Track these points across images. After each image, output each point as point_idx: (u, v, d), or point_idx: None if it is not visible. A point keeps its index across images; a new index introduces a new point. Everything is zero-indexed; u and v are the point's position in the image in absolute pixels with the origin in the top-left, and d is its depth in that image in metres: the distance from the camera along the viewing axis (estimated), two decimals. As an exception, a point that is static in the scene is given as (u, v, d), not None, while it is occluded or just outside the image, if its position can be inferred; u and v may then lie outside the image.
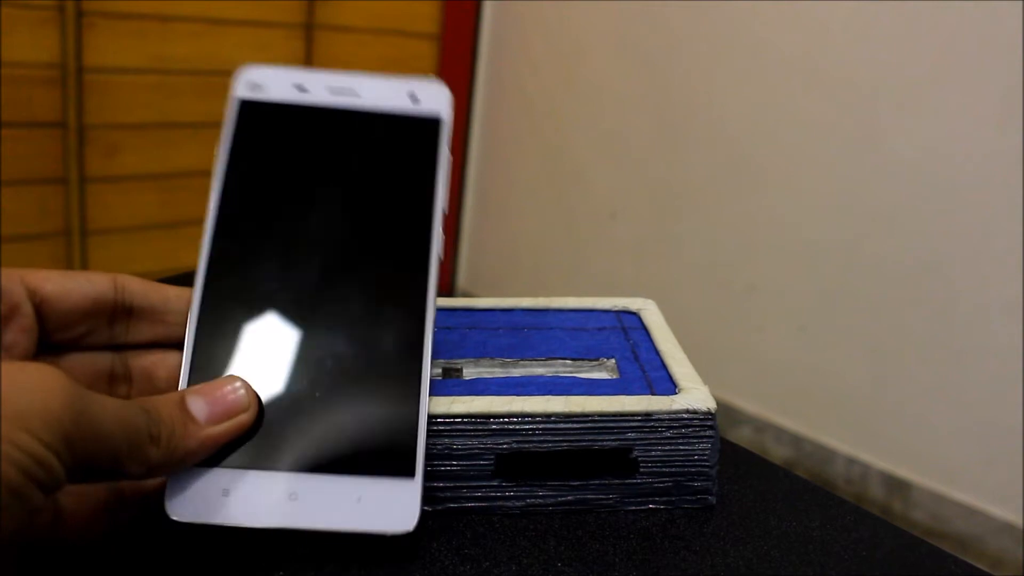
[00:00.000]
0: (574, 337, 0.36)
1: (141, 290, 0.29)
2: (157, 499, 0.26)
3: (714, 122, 1.51)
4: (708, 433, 0.31)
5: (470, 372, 0.33)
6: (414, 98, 0.31)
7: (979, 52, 1.20)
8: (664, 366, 0.34)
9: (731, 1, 1.45)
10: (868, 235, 1.34)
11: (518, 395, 0.30)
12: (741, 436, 1.51)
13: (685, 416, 0.31)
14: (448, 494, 0.30)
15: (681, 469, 0.31)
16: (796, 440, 1.47)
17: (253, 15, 1.52)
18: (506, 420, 0.30)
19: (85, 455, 0.22)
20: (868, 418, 1.39)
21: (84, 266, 1.44)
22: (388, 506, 0.26)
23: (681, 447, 0.31)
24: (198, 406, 0.26)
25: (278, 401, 0.27)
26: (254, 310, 0.28)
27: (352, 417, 0.27)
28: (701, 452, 0.31)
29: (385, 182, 0.30)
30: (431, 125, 0.31)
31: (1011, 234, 1.20)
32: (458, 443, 0.29)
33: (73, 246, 1.42)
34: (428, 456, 0.28)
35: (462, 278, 1.88)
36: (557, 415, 0.30)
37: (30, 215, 1.37)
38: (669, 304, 0.41)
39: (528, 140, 1.84)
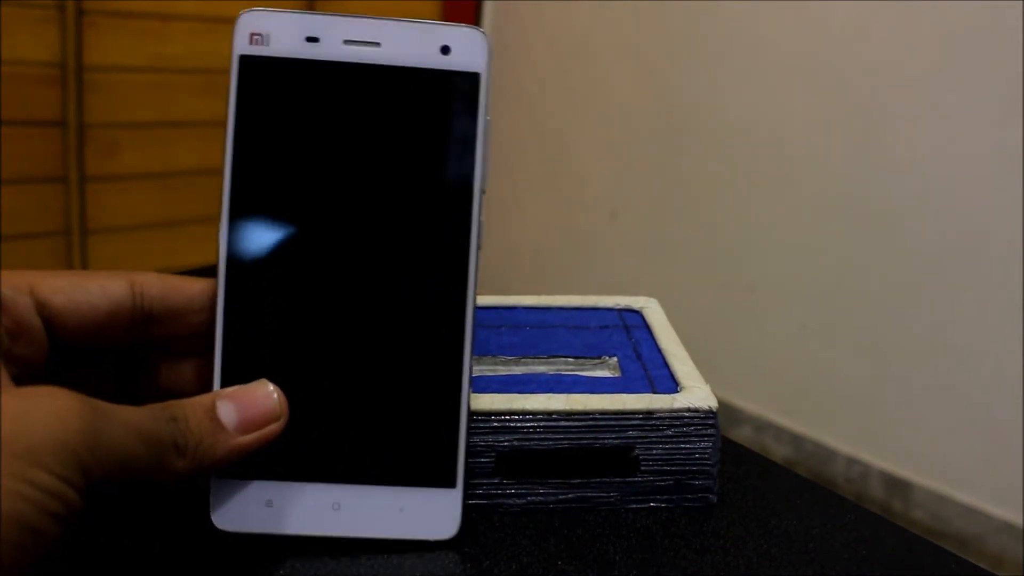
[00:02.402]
0: (576, 335, 0.36)
1: (160, 293, 0.27)
2: (198, 508, 0.26)
3: (715, 121, 1.51)
4: (709, 432, 0.31)
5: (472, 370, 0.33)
6: (446, 50, 0.26)
7: (979, 52, 1.20)
8: (666, 364, 0.34)
9: (731, 1, 1.45)
10: (868, 235, 1.34)
11: (519, 393, 0.30)
12: (741, 436, 1.51)
13: (687, 415, 0.31)
14: (449, 492, 0.30)
15: (682, 468, 0.31)
16: (796, 439, 1.47)
17: (253, 14, 1.52)
18: (507, 418, 0.30)
19: (104, 476, 0.21)
20: (868, 417, 1.39)
21: (84, 265, 1.44)
22: (430, 514, 0.26)
23: (682, 446, 0.31)
24: (228, 413, 0.25)
25: (316, 408, 0.26)
26: (284, 306, 0.26)
27: (393, 426, 0.26)
28: (702, 451, 0.31)
29: (414, 155, 0.26)
30: (467, 81, 0.26)
31: (1011, 234, 1.20)
32: (459, 441, 0.29)
33: (73, 245, 1.42)
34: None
35: (462, 277, 1.88)
36: (558, 413, 0.30)
37: (30, 214, 1.37)
38: (669, 303, 0.41)
39: (529, 139, 1.84)
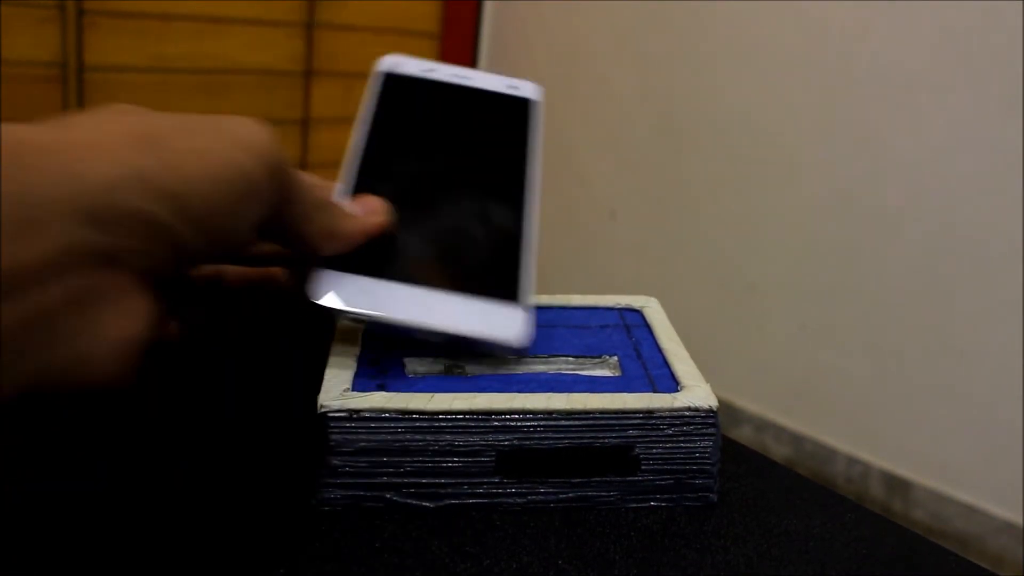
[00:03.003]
0: (576, 335, 0.36)
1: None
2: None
3: (714, 121, 1.51)
4: (710, 431, 0.31)
5: (472, 369, 0.33)
6: (512, 86, 0.41)
7: (980, 51, 1.20)
8: (667, 364, 0.34)
9: (731, 1, 1.45)
10: (868, 234, 1.35)
11: (520, 392, 0.30)
12: (741, 435, 1.52)
13: (687, 414, 0.31)
14: (449, 491, 0.30)
15: (682, 467, 0.31)
16: (796, 439, 1.47)
17: (253, 14, 1.52)
18: (507, 417, 0.30)
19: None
20: (868, 417, 1.39)
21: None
22: (500, 320, 0.31)
23: (683, 445, 0.31)
24: (354, 208, 0.31)
25: (413, 231, 0.33)
26: (395, 187, 0.34)
27: (471, 253, 0.33)
28: (703, 450, 0.31)
29: (490, 143, 0.38)
30: (525, 103, 0.40)
31: (1011, 233, 1.20)
32: (459, 440, 0.29)
33: (73, 245, 1.42)
34: (429, 452, 0.29)
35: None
36: (559, 412, 0.30)
37: (30, 214, 1.37)
38: (669, 303, 0.41)
39: (528, 139, 1.84)
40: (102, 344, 0.22)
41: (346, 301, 0.30)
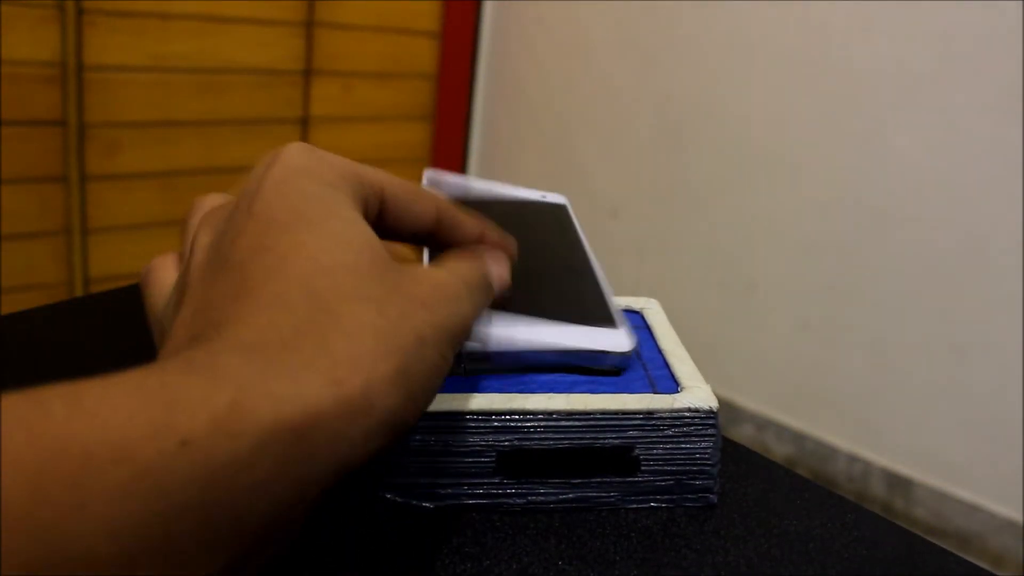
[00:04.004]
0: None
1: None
2: None
3: (715, 120, 1.51)
4: (710, 432, 0.31)
5: (472, 369, 0.33)
6: (544, 196, 0.45)
7: (980, 49, 1.20)
8: (666, 364, 0.34)
9: (732, 1, 1.45)
10: (869, 233, 1.34)
11: (520, 392, 0.30)
12: (742, 434, 1.52)
13: (687, 415, 0.31)
14: (449, 491, 0.30)
15: (683, 467, 0.31)
16: (797, 438, 1.47)
17: (253, 13, 1.52)
18: (507, 417, 0.30)
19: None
20: (869, 416, 1.39)
21: (84, 265, 1.44)
22: (608, 336, 0.33)
23: (683, 445, 0.31)
24: (493, 273, 0.28)
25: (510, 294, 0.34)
26: None
27: (566, 297, 0.35)
28: (703, 451, 0.31)
29: (545, 232, 0.42)
30: (563, 207, 0.45)
31: (1012, 231, 1.20)
32: (459, 440, 0.29)
33: (73, 244, 1.42)
34: (429, 452, 0.29)
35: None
36: (559, 413, 0.30)
37: (30, 213, 1.37)
38: (670, 302, 0.41)
39: (529, 138, 1.84)
40: None
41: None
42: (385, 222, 0.27)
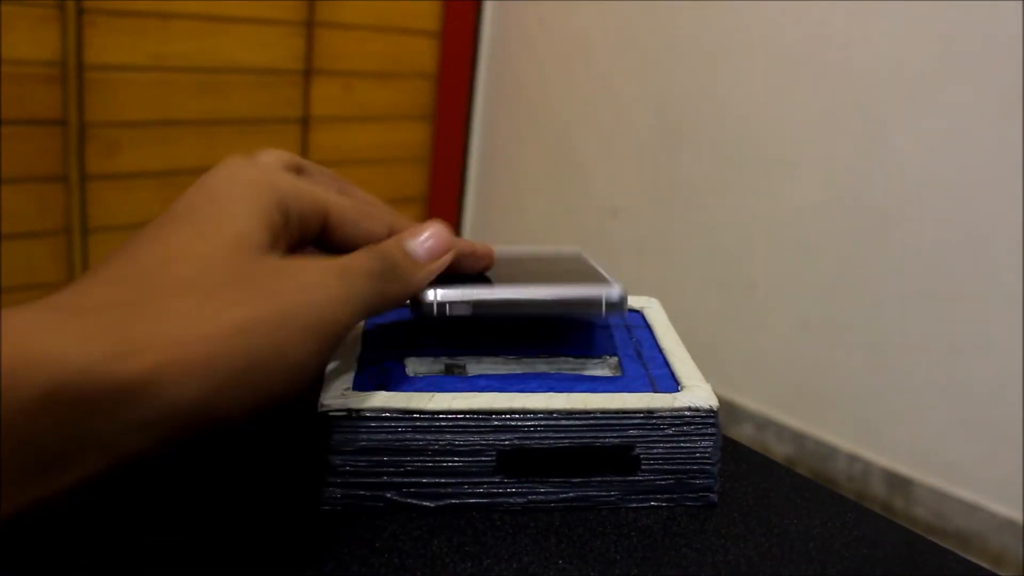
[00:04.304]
0: (578, 334, 0.36)
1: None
2: None
3: (715, 119, 1.51)
4: (710, 431, 0.31)
5: (473, 368, 0.33)
6: (557, 250, 0.43)
7: (980, 49, 1.20)
8: (667, 364, 0.34)
9: (732, 1, 1.45)
10: (869, 232, 1.34)
11: (520, 392, 0.30)
12: (743, 433, 1.52)
13: (687, 414, 0.31)
14: (449, 490, 0.30)
15: (683, 467, 0.31)
16: (798, 437, 1.47)
17: (253, 13, 1.52)
18: (508, 417, 0.30)
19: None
20: (870, 415, 1.39)
21: (84, 264, 1.44)
22: (599, 287, 0.32)
23: (683, 445, 0.31)
24: (414, 249, 0.29)
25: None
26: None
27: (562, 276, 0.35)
28: (703, 450, 0.31)
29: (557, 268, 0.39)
30: (577, 254, 0.42)
31: (1012, 230, 1.20)
32: (460, 439, 0.29)
33: (74, 244, 1.42)
34: (429, 452, 0.29)
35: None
36: (559, 412, 0.30)
37: (30, 212, 1.37)
38: (670, 301, 0.41)
39: (529, 138, 1.84)
40: None
41: (452, 294, 0.31)
42: (333, 239, 0.29)
